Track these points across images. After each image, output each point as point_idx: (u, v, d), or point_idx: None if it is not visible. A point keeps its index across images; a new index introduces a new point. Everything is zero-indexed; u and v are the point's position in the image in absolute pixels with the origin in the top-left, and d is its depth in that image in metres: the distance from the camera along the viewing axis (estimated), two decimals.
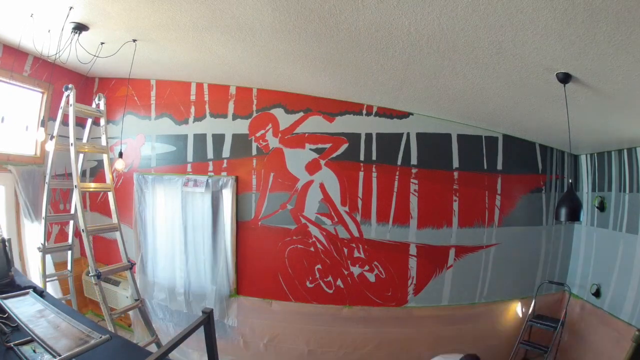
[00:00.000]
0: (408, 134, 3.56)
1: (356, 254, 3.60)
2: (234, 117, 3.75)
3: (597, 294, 3.34)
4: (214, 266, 3.73)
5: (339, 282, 3.61)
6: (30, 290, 1.93)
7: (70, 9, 2.30)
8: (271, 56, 2.77)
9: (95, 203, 4.19)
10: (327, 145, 3.61)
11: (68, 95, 2.79)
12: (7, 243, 2.41)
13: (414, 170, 3.55)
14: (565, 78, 2.08)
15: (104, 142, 3.07)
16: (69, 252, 3.38)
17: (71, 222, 3.44)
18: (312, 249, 3.64)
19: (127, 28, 2.58)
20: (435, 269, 3.58)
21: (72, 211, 3.40)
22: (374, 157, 3.58)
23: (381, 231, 3.57)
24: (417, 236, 3.55)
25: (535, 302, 3.58)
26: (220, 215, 3.70)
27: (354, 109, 3.60)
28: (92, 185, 3.90)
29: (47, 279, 3.10)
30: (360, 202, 3.59)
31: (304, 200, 3.63)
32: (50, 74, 3.51)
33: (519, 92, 2.57)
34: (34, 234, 3.47)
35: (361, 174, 3.59)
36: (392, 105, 3.54)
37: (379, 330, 3.58)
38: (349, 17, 1.97)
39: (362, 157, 3.59)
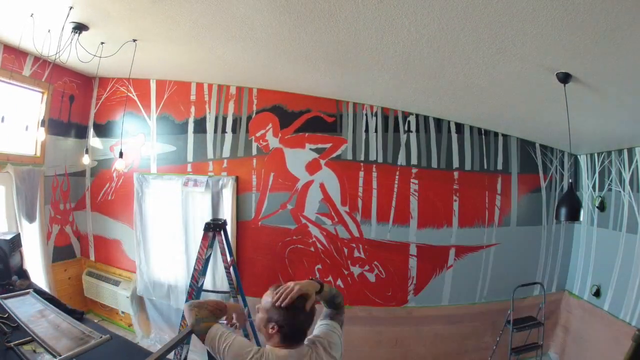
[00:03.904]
0: (408, 134, 3.56)
1: (356, 254, 3.60)
2: (234, 117, 3.76)
3: (597, 294, 3.34)
4: (214, 266, 3.72)
5: (339, 282, 3.61)
6: (31, 291, 1.93)
7: (70, 8, 2.30)
8: (271, 56, 2.77)
9: (96, 203, 4.19)
10: (327, 145, 3.61)
11: None
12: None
13: (414, 170, 3.55)
14: (565, 78, 2.08)
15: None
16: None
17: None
18: (312, 249, 3.64)
19: (127, 28, 2.58)
20: (435, 269, 3.58)
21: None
22: (374, 157, 3.58)
23: (381, 231, 3.57)
24: (417, 236, 3.55)
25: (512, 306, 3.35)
26: (220, 215, 3.70)
27: (354, 109, 3.60)
28: None
29: None
30: (360, 202, 3.58)
31: (304, 200, 3.63)
32: (50, 74, 3.51)
33: (519, 92, 2.57)
34: (32, 234, 3.47)
35: (361, 174, 3.59)
36: (392, 105, 3.54)
37: (379, 330, 3.58)
38: (348, 17, 1.97)
39: (362, 157, 3.59)
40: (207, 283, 3.73)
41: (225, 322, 1.44)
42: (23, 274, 2.65)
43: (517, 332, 3.32)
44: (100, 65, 3.15)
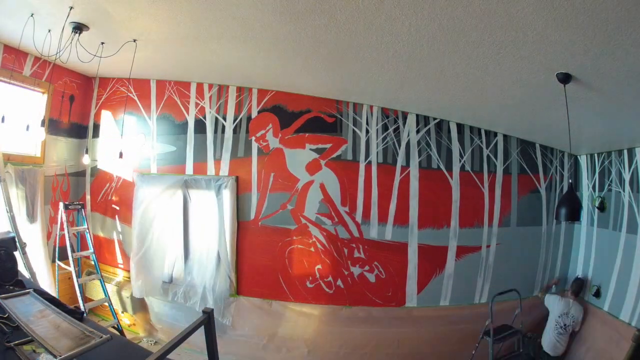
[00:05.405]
0: (408, 134, 3.57)
1: (356, 254, 3.60)
2: (234, 117, 3.76)
3: (597, 294, 3.34)
4: (214, 266, 3.72)
5: (339, 282, 3.61)
6: (31, 291, 1.93)
7: (70, 8, 2.30)
8: (271, 56, 2.78)
9: (96, 203, 4.19)
10: (327, 145, 3.61)
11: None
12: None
13: (414, 171, 3.55)
14: (565, 78, 2.08)
15: None
16: None
17: None
18: (312, 249, 3.64)
19: (127, 28, 2.58)
20: (435, 269, 3.58)
21: None
22: (374, 157, 3.58)
23: (381, 231, 3.57)
24: (417, 236, 3.55)
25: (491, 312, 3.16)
26: (220, 215, 3.70)
27: (354, 109, 3.60)
28: None
29: None
30: (360, 202, 3.58)
31: (304, 200, 3.63)
32: (50, 74, 3.51)
33: (519, 93, 2.57)
34: (32, 234, 3.46)
35: (361, 174, 3.59)
36: (392, 105, 3.54)
37: (379, 330, 3.58)
38: (349, 18, 1.97)
39: (362, 157, 3.59)
40: (207, 281, 3.73)
41: None
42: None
43: (496, 343, 3.13)
44: (100, 65, 3.15)
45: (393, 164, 3.57)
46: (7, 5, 2.41)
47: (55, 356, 1.35)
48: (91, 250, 3.86)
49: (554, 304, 3.40)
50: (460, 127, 3.58)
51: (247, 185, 3.71)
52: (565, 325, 3.30)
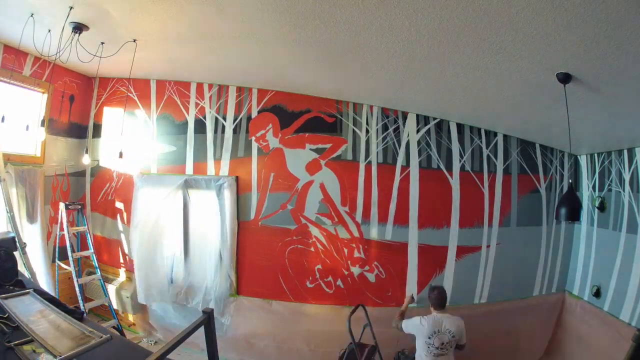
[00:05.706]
0: (408, 134, 3.57)
1: (356, 254, 3.60)
2: (234, 117, 3.76)
3: (597, 294, 3.34)
4: (214, 266, 3.72)
5: (339, 282, 3.61)
6: (31, 291, 1.93)
7: (70, 8, 2.30)
8: (271, 56, 2.78)
9: (96, 203, 4.19)
10: (327, 145, 3.61)
11: None
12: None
13: (414, 170, 3.55)
14: (565, 78, 2.08)
15: None
16: None
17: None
18: (312, 249, 3.64)
19: (127, 28, 2.58)
20: (435, 269, 3.58)
21: None
22: (374, 157, 3.58)
23: (381, 231, 3.57)
24: (417, 236, 3.55)
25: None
26: (220, 215, 3.70)
27: (354, 109, 3.60)
28: None
29: None
30: (360, 202, 3.58)
31: (304, 200, 3.63)
32: (50, 74, 3.51)
33: (520, 93, 2.57)
34: (32, 234, 3.46)
35: (361, 173, 3.59)
36: (392, 105, 3.54)
37: (379, 330, 3.57)
38: (349, 18, 1.97)
39: (362, 157, 3.59)
40: (207, 281, 3.73)
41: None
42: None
43: None
44: (100, 66, 3.15)
45: (393, 164, 3.57)
46: (7, 5, 2.41)
47: (55, 356, 1.35)
48: (91, 250, 3.86)
49: (416, 327, 2.80)
50: (460, 127, 3.58)
51: (247, 185, 3.71)
52: (443, 344, 2.73)
